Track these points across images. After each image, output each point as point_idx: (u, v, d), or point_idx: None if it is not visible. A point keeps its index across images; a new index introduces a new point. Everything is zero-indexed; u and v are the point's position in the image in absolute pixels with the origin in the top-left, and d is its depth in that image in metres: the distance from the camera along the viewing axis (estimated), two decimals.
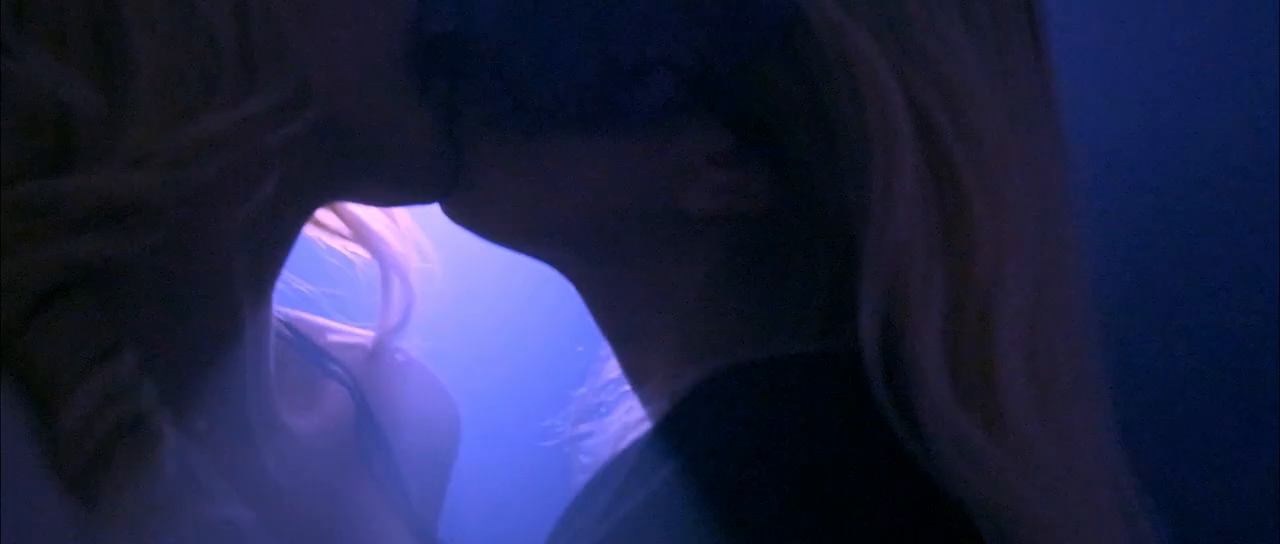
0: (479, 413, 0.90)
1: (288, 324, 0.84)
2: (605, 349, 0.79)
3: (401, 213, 0.84)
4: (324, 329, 0.87)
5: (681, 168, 0.69)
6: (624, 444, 0.72)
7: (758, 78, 0.67)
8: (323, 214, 0.83)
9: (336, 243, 0.85)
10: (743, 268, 0.71)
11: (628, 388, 0.77)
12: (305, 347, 0.84)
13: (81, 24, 0.64)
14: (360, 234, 0.84)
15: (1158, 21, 1.26)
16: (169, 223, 0.65)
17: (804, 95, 0.67)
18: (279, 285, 0.79)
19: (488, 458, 0.86)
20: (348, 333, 0.87)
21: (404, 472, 0.85)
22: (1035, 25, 0.71)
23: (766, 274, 0.71)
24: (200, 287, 0.70)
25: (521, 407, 0.78)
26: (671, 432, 0.66)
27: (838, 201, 0.67)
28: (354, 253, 0.85)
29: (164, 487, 0.65)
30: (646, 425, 0.71)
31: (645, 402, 0.74)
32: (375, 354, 0.86)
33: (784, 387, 0.67)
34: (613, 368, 0.79)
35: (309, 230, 0.83)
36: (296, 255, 0.80)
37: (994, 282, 0.66)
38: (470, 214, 0.74)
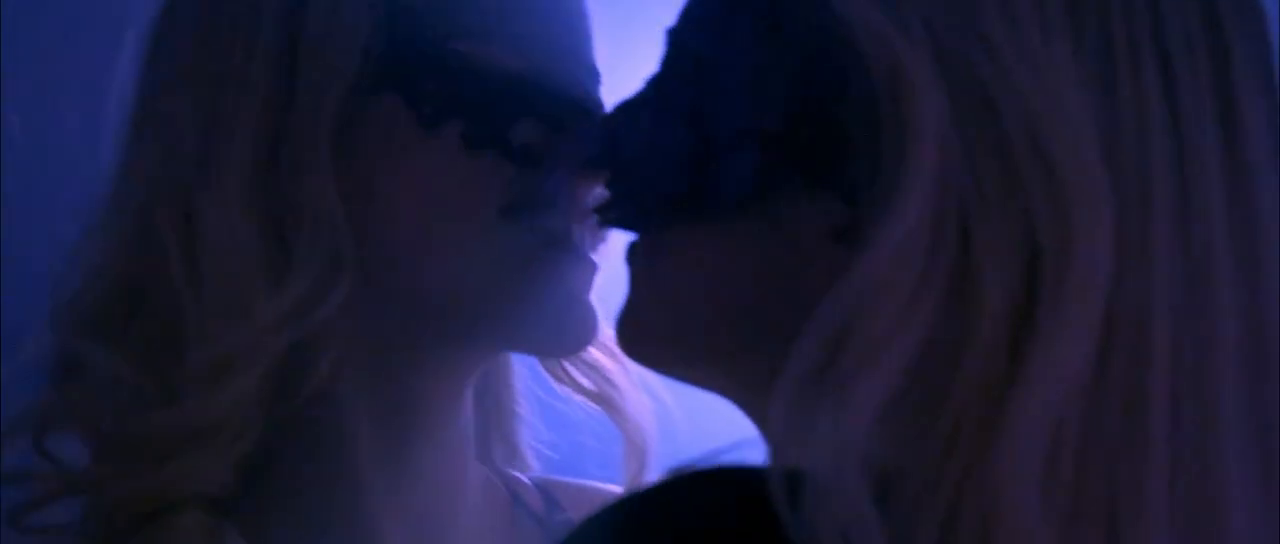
0: None
1: (546, 492, 0.85)
2: None
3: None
4: (595, 495, 0.86)
5: (800, 248, 0.64)
6: None
7: (838, 132, 0.62)
8: (557, 368, 0.85)
9: (576, 398, 0.85)
10: None
11: None
12: (553, 519, 0.84)
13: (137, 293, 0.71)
14: (594, 388, 0.84)
15: None
16: (251, 433, 0.69)
17: (873, 145, 0.60)
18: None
19: None
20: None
21: None
22: (1217, 52, 0.61)
23: None
24: (313, 477, 0.73)
25: None
26: None
27: None
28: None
29: None
30: None
31: None
32: None
33: (716, 491, 0.60)
34: None
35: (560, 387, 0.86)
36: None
37: (1010, 373, 0.55)
38: (621, 340, 0.72)
